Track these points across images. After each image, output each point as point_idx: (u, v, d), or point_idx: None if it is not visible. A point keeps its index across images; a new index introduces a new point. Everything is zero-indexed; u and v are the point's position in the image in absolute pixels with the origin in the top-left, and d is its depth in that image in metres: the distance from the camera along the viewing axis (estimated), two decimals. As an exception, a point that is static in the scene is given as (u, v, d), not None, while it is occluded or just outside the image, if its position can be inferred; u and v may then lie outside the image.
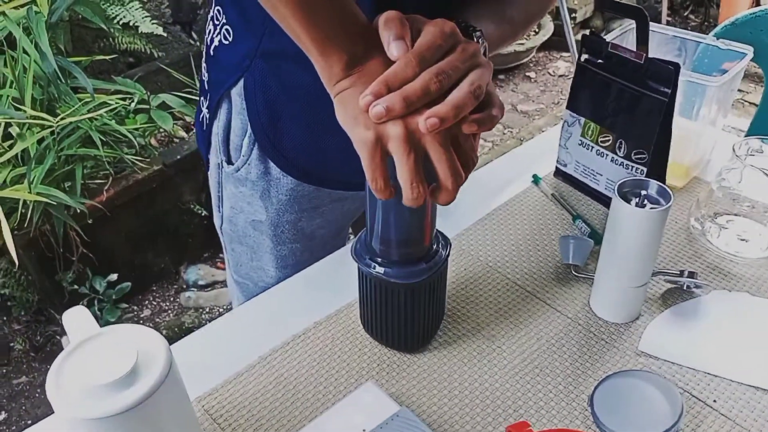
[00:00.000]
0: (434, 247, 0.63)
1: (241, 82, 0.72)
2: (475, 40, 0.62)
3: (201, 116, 0.80)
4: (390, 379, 0.65)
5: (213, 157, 0.80)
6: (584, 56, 0.84)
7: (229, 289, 0.96)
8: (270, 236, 0.82)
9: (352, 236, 1.08)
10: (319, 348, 0.69)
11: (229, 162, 0.78)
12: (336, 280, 0.76)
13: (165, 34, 1.99)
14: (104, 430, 0.48)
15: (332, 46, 0.52)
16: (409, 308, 0.64)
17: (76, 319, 0.55)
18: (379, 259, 0.62)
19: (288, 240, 0.83)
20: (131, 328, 0.53)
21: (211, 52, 0.75)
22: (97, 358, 0.50)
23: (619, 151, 0.82)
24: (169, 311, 1.92)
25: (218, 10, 0.73)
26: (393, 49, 0.51)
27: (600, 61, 0.82)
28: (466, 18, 0.65)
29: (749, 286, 0.74)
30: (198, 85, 2.11)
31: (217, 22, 0.73)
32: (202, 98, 0.80)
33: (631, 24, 0.89)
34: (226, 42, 0.72)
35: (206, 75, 0.77)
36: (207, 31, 0.77)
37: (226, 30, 0.72)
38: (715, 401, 0.62)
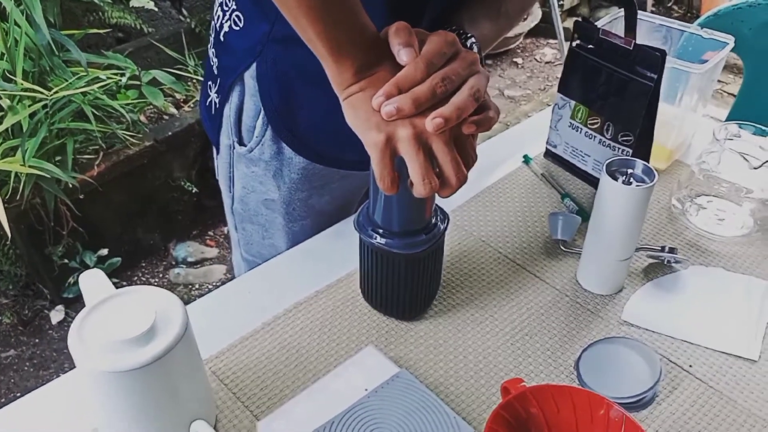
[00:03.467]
0: (433, 220, 0.67)
1: (254, 66, 0.74)
2: (470, 45, 0.66)
3: (209, 101, 0.82)
4: (389, 344, 0.69)
5: (224, 138, 0.82)
6: (576, 42, 0.88)
7: (236, 267, 0.98)
8: (282, 214, 0.85)
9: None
10: (320, 315, 0.72)
11: (241, 143, 0.80)
12: (336, 251, 0.80)
13: (156, 9, 1.98)
14: (125, 383, 0.51)
15: (345, 52, 0.57)
16: (408, 277, 0.68)
17: (93, 281, 0.57)
18: (381, 230, 0.65)
19: (299, 217, 0.85)
20: (148, 289, 0.56)
21: (221, 38, 0.77)
22: (116, 316, 0.53)
23: (607, 133, 0.85)
24: (159, 287, 1.93)
25: None
26: (403, 54, 0.56)
27: (591, 46, 0.86)
28: (463, 19, 0.70)
29: (725, 262, 0.79)
30: (189, 62, 2.11)
31: (226, 8, 0.75)
32: (209, 83, 0.81)
33: (619, 12, 0.93)
34: (237, 28, 0.74)
35: (215, 60, 0.79)
36: (215, 17, 0.78)
37: (237, 16, 0.74)
38: (691, 366, 0.67)
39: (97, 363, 0.50)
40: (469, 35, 0.67)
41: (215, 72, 0.79)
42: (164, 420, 0.55)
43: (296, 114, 0.76)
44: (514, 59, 3.25)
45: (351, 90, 0.58)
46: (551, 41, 3.33)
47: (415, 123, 0.54)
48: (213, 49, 0.80)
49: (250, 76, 0.75)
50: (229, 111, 0.79)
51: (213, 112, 0.81)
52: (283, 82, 0.74)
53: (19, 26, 1.46)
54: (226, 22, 0.75)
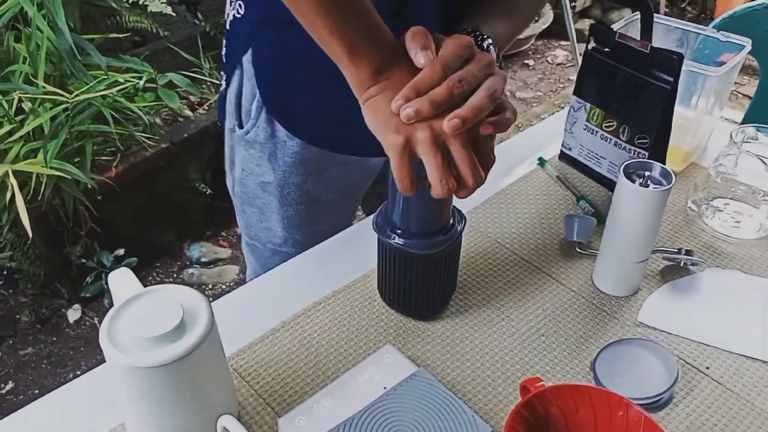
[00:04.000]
0: (451, 221, 0.68)
1: (251, 49, 0.77)
2: (486, 47, 0.67)
3: (221, 88, 0.86)
4: (406, 344, 0.70)
5: (227, 122, 0.86)
6: (591, 44, 0.88)
7: (244, 254, 1.01)
8: (277, 197, 0.86)
9: (360, 213, 1.12)
10: (338, 314, 0.73)
11: (240, 126, 0.83)
12: (354, 252, 0.81)
13: (173, 14, 2.01)
14: (153, 378, 0.52)
15: (361, 54, 0.58)
16: (426, 278, 0.69)
17: (121, 279, 0.59)
18: (399, 231, 0.66)
19: (294, 201, 0.87)
20: (174, 288, 0.57)
21: (227, 26, 0.81)
22: (145, 314, 0.54)
23: (623, 136, 0.86)
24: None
25: None
26: (420, 57, 0.57)
27: (607, 49, 0.86)
28: (477, 19, 0.71)
29: (741, 265, 0.79)
30: (204, 65, 2.14)
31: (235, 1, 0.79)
32: (221, 71, 0.85)
33: (635, 15, 0.93)
34: (239, 15, 0.78)
35: (224, 49, 0.83)
36: (227, 8, 0.82)
37: (239, 4, 0.78)
38: (707, 368, 0.67)
39: (127, 358, 0.51)
40: (485, 36, 0.68)
41: (224, 60, 0.83)
42: (190, 415, 0.56)
43: (290, 96, 0.79)
44: (526, 61, 3.25)
45: (370, 92, 0.59)
46: (563, 43, 3.33)
47: (433, 125, 0.55)
48: (225, 40, 0.83)
49: (247, 60, 0.78)
50: (231, 95, 0.82)
51: (221, 98, 0.85)
52: (278, 64, 0.77)
53: (41, 31, 1.49)
54: (232, 11, 0.79)
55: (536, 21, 3.19)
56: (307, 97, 0.79)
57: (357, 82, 0.59)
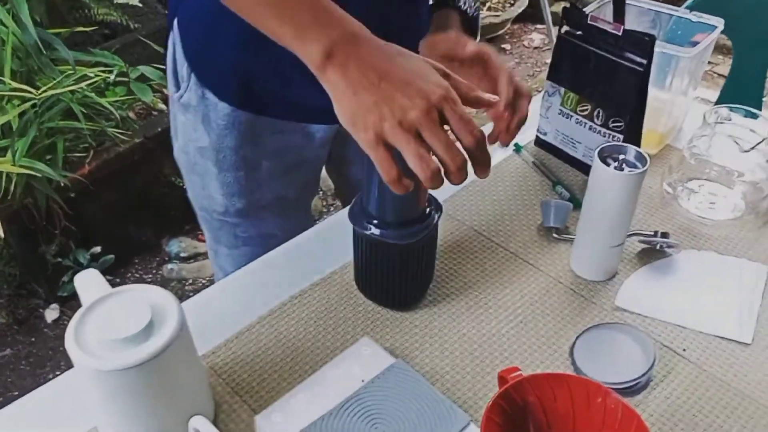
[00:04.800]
0: (427, 210, 0.67)
1: (178, 11, 0.78)
2: (475, 14, 0.66)
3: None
4: (384, 335, 0.69)
5: (169, 89, 0.85)
6: (564, 28, 0.88)
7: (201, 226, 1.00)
8: (213, 162, 0.85)
9: (332, 201, 1.12)
10: (315, 307, 0.72)
11: (177, 90, 0.83)
12: (330, 244, 0.80)
13: (141, 5, 1.97)
14: (123, 381, 0.51)
15: (308, 36, 0.55)
16: (403, 267, 0.68)
17: (89, 280, 0.57)
18: (375, 221, 0.66)
19: (231, 167, 0.86)
20: (143, 287, 0.56)
21: None
22: (112, 315, 0.53)
23: (597, 120, 0.86)
24: (152, 283, 1.93)
25: None
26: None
27: (579, 32, 0.86)
28: None
29: (717, 246, 0.80)
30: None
31: None
32: None
33: (608, -4, 0.93)
34: None
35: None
36: None
37: None
38: (684, 350, 0.67)
39: (95, 362, 0.50)
40: (474, 3, 0.67)
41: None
42: (163, 416, 0.55)
43: (215, 55, 0.78)
44: (502, 45, 3.25)
45: (331, 78, 0.55)
46: (539, 26, 3.32)
47: (397, 112, 0.52)
48: None
49: (176, 23, 0.79)
50: (168, 60, 0.82)
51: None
52: (201, 23, 0.77)
53: (5, 26, 1.45)
54: None
55: (512, 5, 3.18)
56: (235, 57, 0.78)
57: (311, 65, 0.56)
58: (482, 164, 0.56)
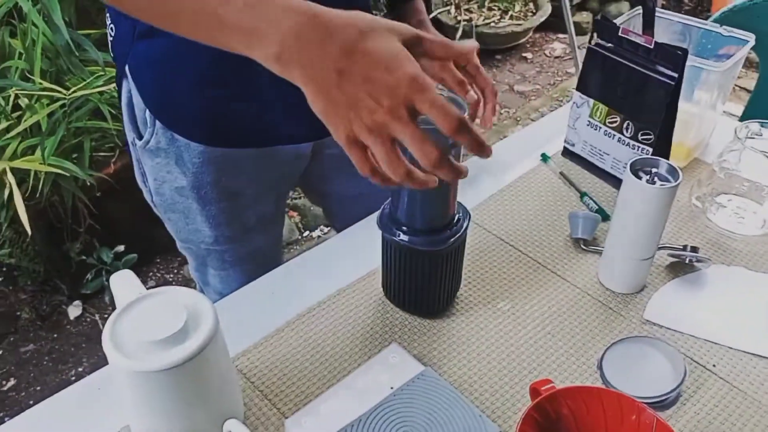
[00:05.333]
0: (456, 217, 0.67)
1: (129, 62, 0.76)
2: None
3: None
4: (412, 342, 0.69)
5: (128, 136, 0.84)
6: (595, 39, 0.88)
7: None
8: (195, 199, 0.84)
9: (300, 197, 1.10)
10: (343, 313, 0.73)
11: (140, 137, 0.81)
12: (357, 250, 0.80)
13: (169, 8, 1.98)
14: (158, 382, 0.52)
15: (255, 40, 0.49)
16: (431, 274, 0.68)
17: (124, 282, 0.58)
18: (404, 228, 0.66)
19: (213, 200, 0.85)
20: (177, 290, 0.57)
21: (111, 50, 0.80)
22: (148, 317, 0.53)
23: (626, 132, 0.86)
24: (173, 283, 1.95)
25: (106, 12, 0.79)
26: None
27: (610, 45, 0.86)
28: None
29: (746, 261, 0.79)
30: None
31: (108, 23, 0.79)
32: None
33: (637, 10, 0.93)
34: (112, 37, 0.78)
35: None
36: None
37: (111, 27, 0.78)
38: (714, 366, 0.67)
39: (131, 363, 0.51)
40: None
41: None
42: (195, 418, 0.56)
43: (178, 98, 0.77)
44: (524, 54, 3.24)
45: (294, 78, 0.50)
46: (561, 36, 3.31)
47: (364, 116, 0.49)
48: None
49: (128, 69, 0.77)
50: (124, 107, 0.81)
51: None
52: (158, 66, 0.75)
53: (36, 26, 1.47)
54: (109, 31, 0.78)
55: (534, 13, 3.18)
56: (193, 99, 0.76)
57: (274, 70, 0.51)
58: (474, 145, 0.50)
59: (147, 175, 0.85)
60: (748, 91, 2.03)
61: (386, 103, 0.48)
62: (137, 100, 0.78)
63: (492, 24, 3.09)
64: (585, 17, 3.31)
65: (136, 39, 0.74)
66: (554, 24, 3.23)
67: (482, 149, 0.51)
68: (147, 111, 0.78)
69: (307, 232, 2.14)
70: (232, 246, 0.89)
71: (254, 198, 0.88)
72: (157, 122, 0.78)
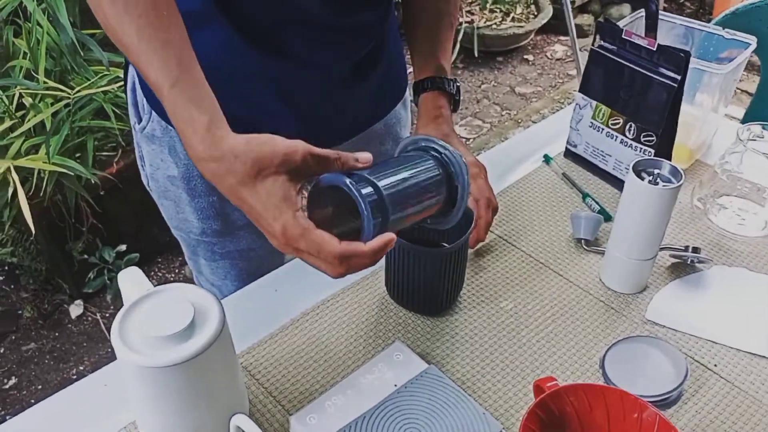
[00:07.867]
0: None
1: None
2: (455, 89, 0.76)
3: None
4: (415, 341, 0.70)
5: (131, 118, 0.85)
6: (597, 41, 0.88)
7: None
8: (185, 190, 0.85)
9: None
10: (347, 312, 0.73)
11: (140, 122, 0.83)
12: (361, 250, 0.81)
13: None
14: (165, 378, 0.52)
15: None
16: (434, 273, 0.69)
17: (131, 279, 0.59)
18: (409, 229, 0.66)
19: (203, 193, 0.85)
20: (184, 287, 0.57)
21: None
22: (156, 313, 0.54)
23: (629, 133, 0.86)
24: (174, 282, 1.95)
25: None
26: None
27: (613, 47, 0.86)
28: (429, 56, 0.78)
29: (747, 262, 0.80)
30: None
31: None
32: None
33: (640, 12, 0.93)
34: None
35: None
36: None
37: None
38: (716, 366, 0.67)
39: (139, 358, 0.51)
40: (452, 80, 0.74)
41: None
42: (201, 414, 0.56)
43: None
44: (525, 56, 3.25)
45: (213, 169, 0.57)
46: (562, 38, 3.32)
47: (270, 238, 0.55)
48: None
49: None
50: (128, 91, 0.82)
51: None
52: None
53: (41, 26, 1.48)
54: None
55: (535, 16, 3.19)
56: None
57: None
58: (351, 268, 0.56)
59: (144, 160, 0.87)
60: (749, 93, 2.04)
61: (274, 242, 0.54)
62: (138, 86, 0.80)
63: (494, 26, 3.09)
64: (586, 20, 3.32)
65: None
66: (555, 26, 3.24)
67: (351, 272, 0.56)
68: (145, 99, 0.80)
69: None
70: (221, 240, 0.89)
71: None
72: (153, 111, 0.80)
